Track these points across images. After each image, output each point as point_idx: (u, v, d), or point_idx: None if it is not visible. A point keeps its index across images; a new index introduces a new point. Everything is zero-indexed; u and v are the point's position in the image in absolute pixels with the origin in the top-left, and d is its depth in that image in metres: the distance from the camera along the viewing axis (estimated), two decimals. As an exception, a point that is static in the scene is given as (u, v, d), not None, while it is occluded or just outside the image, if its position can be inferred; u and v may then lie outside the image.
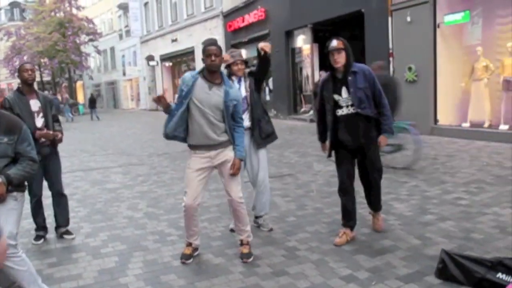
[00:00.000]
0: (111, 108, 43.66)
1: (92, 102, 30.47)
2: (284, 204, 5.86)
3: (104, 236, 4.97)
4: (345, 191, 4.43)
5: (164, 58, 31.54)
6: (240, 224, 4.17)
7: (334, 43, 4.18)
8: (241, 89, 4.81)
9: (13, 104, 4.61)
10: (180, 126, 3.99)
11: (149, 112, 33.22)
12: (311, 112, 16.73)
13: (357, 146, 4.28)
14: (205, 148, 3.99)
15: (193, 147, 4.04)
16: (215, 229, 4.99)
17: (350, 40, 15.31)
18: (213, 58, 3.86)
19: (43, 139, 4.69)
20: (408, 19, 11.71)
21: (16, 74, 4.90)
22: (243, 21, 20.28)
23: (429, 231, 4.52)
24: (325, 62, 16.34)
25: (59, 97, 39.10)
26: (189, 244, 4.18)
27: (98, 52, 38.22)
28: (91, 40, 36.30)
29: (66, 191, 7.29)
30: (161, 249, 4.45)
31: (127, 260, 4.21)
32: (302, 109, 17.65)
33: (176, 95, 4.13)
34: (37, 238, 4.91)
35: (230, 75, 4.79)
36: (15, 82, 57.45)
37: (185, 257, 4.10)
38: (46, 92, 37.25)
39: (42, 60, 36.09)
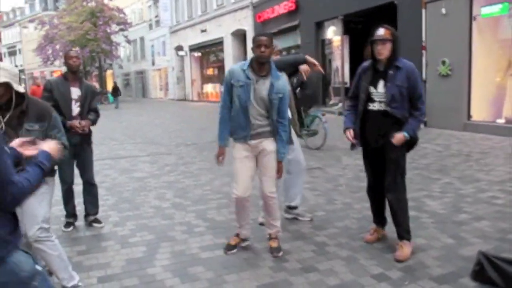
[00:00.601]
0: (140, 98, 44.12)
1: (115, 91, 30.87)
2: (313, 198, 5.77)
3: (131, 225, 4.99)
4: (373, 190, 4.21)
5: (193, 49, 31.64)
6: (270, 218, 4.10)
7: (381, 31, 3.80)
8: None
9: (53, 88, 4.66)
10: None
11: (177, 101, 33.47)
12: (340, 105, 16.53)
13: (379, 146, 3.94)
14: (244, 139, 3.89)
15: (234, 137, 3.97)
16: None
17: (383, 32, 14.54)
18: (262, 49, 3.66)
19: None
20: (443, 11, 11.38)
21: (62, 61, 4.90)
22: (273, 12, 20.12)
23: (464, 230, 4.38)
24: (356, 54, 16.00)
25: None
26: (237, 235, 4.16)
27: (128, 41, 38.57)
28: (121, 29, 36.66)
29: (96, 178, 7.46)
30: (188, 240, 4.43)
31: (155, 250, 4.21)
32: (331, 102, 17.43)
33: (222, 89, 4.01)
34: (67, 225, 4.97)
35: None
36: (48, 71, 58.94)
37: (228, 248, 4.09)
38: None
39: (73, 49, 36.66)
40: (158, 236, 4.59)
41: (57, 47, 36.38)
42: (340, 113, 15.96)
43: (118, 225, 5.03)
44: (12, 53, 72.29)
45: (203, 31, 29.02)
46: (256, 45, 3.70)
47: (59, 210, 5.21)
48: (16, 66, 70.02)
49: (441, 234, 4.29)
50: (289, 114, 4.30)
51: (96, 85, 42.03)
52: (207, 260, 3.95)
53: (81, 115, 4.78)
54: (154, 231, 4.75)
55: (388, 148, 3.85)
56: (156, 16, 37.27)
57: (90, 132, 4.93)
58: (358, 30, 16.37)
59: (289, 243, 4.23)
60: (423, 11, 12.09)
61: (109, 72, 49.04)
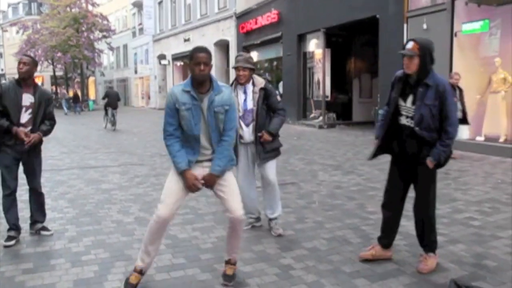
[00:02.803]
0: (121, 106, 43.46)
1: (75, 98, 32.50)
2: (283, 215, 5.45)
3: (88, 241, 4.66)
4: (388, 207, 3.99)
5: (175, 58, 31.35)
6: (237, 242, 3.65)
7: (409, 45, 3.60)
8: (247, 100, 4.65)
9: (4, 93, 4.41)
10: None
11: (158, 110, 33.03)
12: (320, 118, 16.37)
13: (406, 162, 3.80)
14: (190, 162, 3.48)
15: None
16: (207, 240, 4.66)
17: (364, 46, 15.09)
18: (202, 67, 3.30)
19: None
20: (425, 26, 11.31)
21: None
22: (256, 23, 19.99)
23: (438, 254, 4.14)
24: (337, 67, 16.00)
25: (71, 92, 39.31)
26: (140, 272, 3.53)
27: (111, 49, 38.14)
28: (104, 36, 36.24)
29: (60, 189, 7.17)
30: (145, 259, 4.12)
31: (107, 270, 3.89)
32: (312, 115, 17.28)
33: (165, 115, 3.47)
34: (8, 239, 4.58)
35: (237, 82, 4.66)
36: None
37: (130, 287, 3.48)
38: (48, 88, 37.69)
39: (55, 55, 36.15)
40: (113, 254, 4.27)
41: (39, 52, 35.79)
42: (320, 126, 15.81)
43: (73, 240, 4.69)
44: (-7, 57, 71.11)
45: (186, 40, 28.77)
46: (195, 62, 3.32)
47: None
48: (-3, 70, 69.00)
49: (414, 258, 4.05)
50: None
51: (78, 91, 41.46)
52: (160, 282, 3.65)
53: (34, 123, 4.55)
54: (111, 248, 4.43)
55: (418, 169, 3.71)
56: (140, 24, 36.95)
57: (40, 141, 4.66)
58: (339, 44, 16.33)
59: (252, 265, 3.96)
60: (405, 25, 12.02)
61: (91, 79, 48.47)
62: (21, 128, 4.41)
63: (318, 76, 16.92)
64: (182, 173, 3.41)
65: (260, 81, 4.69)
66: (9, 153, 4.52)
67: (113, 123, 18.44)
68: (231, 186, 3.55)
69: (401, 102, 3.76)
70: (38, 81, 59.73)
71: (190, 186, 3.44)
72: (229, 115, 3.48)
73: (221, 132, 3.49)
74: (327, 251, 4.27)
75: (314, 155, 10.24)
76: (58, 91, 39.29)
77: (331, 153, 10.49)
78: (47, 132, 4.67)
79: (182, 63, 31.83)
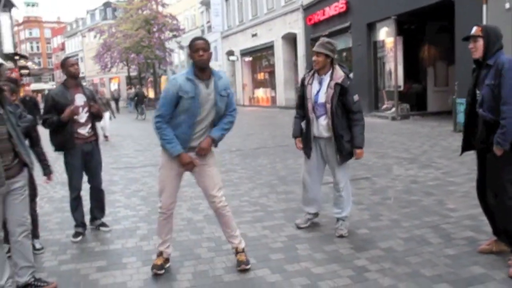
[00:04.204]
0: (193, 103, 44.53)
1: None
2: (357, 212, 5.25)
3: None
4: (479, 197, 3.85)
5: (244, 53, 31.51)
6: (229, 230, 3.86)
7: (472, 31, 3.55)
8: (320, 93, 4.36)
9: (58, 100, 4.57)
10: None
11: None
12: (393, 109, 15.71)
13: (480, 149, 3.65)
14: (189, 150, 3.68)
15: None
16: (277, 239, 4.52)
17: (438, 32, 14.11)
18: (201, 53, 3.49)
19: (85, 134, 4.72)
20: (507, 5, 10.45)
21: (61, 70, 4.82)
22: (323, 14, 19.56)
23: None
24: (410, 56, 15.11)
25: (145, 92, 40.87)
26: (160, 254, 3.86)
27: (181, 47, 39.08)
28: (174, 36, 37.22)
29: (133, 186, 7.36)
30: (214, 259, 4.07)
31: (176, 270, 3.88)
32: (384, 106, 16.61)
33: (163, 101, 3.60)
34: (76, 235, 4.83)
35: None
36: (106, 77, 61.00)
37: (157, 268, 3.76)
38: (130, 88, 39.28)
39: (129, 56, 37.75)
40: (183, 253, 4.25)
41: (115, 54, 37.57)
42: (393, 118, 15.18)
43: (144, 239, 4.75)
44: (74, 61, 75.30)
45: (253, 35, 28.82)
46: (194, 49, 3.52)
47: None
48: (78, 73, 73.11)
49: (503, 261, 3.66)
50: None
51: (151, 91, 42.93)
52: (230, 284, 3.56)
53: (92, 120, 4.78)
54: (180, 247, 4.42)
55: (490, 155, 3.52)
56: (208, 22, 37.53)
57: (98, 136, 4.97)
58: (412, 31, 15.53)
59: (324, 266, 3.77)
60: (484, 7, 11.18)
61: (163, 78, 50.05)
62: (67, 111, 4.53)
63: (389, 65, 16.23)
64: (179, 156, 3.58)
65: (339, 75, 4.28)
66: (78, 154, 4.69)
67: (142, 114, 24.84)
68: (211, 171, 3.76)
69: (477, 91, 3.60)
70: (115, 82, 62.70)
71: (188, 164, 3.64)
72: (231, 98, 3.72)
73: (223, 114, 3.73)
74: (405, 252, 3.98)
75: (388, 148, 9.79)
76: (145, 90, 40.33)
77: (406, 145, 9.99)
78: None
79: (250, 59, 31.96)
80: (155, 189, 7.01)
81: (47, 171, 4.33)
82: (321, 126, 4.42)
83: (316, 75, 4.43)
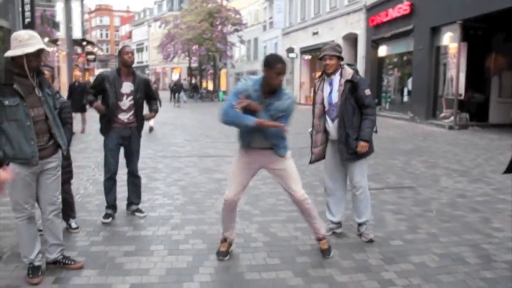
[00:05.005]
0: (249, 97, 44.84)
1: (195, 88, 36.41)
2: (394, 222, 5.06)
3: (189, 230, 4.73)
4: None
5: (303, 51, 31.27)
6: (311, 219, 4.02)
7: None
8: (332, 93, 4.33)
9: (105, 81, 4.78)
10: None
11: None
12: (451, 118, 15.05)
13: None
14: (248, 144, 3.86)
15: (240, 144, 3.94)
16: (307, 242, 4.42)
17: (507, 40, 13.41)
18: (281, 77, 3.61)
19: (125, 120, 4.85)
20: None
21: (117, 56, 5.02)
22: (386, 15, 19.01)
23: None
24: (474, 63, 14.35)
25: (204, 83, 41.90)
26: (224, 240, 4.03)
27: (242, 42, 39.41)
28: (236, 30, 37.57)
29: (175, 175, 7.48)
30: (239, 256, 4.04)
31: (200, 262, 3.88)
32: (442, 114, 15.93)
33: (232, 96, 3.70)
34: (106, 216, 4.96)
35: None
36: (168, 67, 62.57)
37: (222, 254, 3.94)
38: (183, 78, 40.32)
39: (191, 47, 38.54)
40: (210, 246, 4.24)
41: (177, 44, 38.47)
42: (450, 127, 14.57)
43: (176, 228, 4.80)
44: (140, 50, 77.90)
45: (314, 33, 28.53)
46: (276, 72, 3.56)
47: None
48: (142, 62, 75.58)
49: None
50: None
51: (210, 83, 43.63)
52: (249, 282, 3.52)
53: (136, 109, 4.88)
54: (209, 240, 4.42)
55: None
56: (270, 18, 37.56)
57: (141, 125, 5.05)
58: (478, 37, 14.77)
59: (349, 275, 3.65)
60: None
61: (223, 71, 50.68)
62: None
63: (451, 72, 15.54)
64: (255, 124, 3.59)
65: (348, 72, 4.27)
66: (114, 138, 4.84)
67: (178, 101, 29.39)
68: (288, 168, 3.88)
69: None
70: (176, 72, 64.34)
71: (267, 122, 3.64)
72: (282, 119, 3.69)
73: None
74: (437, 269, 3.78)
75: (439, 158, 9.39)
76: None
77: (459, 157, 9.53)
78: (156, 111, 5.19)
79: (310, 57, 31.69)
80: (196, 180, 7.16)
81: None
82: (334, 128, 4.36)
83: (325, 78, 4.39)
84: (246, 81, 3.73)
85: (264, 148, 3.81)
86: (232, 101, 3.62)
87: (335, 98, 4.28)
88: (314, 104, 4.48)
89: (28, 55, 3.25)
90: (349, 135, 4.25)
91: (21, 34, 3.31)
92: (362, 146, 4.25)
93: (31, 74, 3.33)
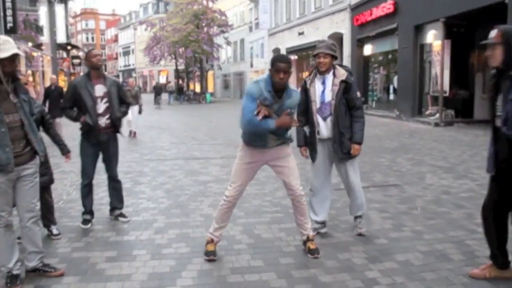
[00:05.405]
0: (237, 99, 44.81)
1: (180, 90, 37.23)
2: (379, 221, 5.05)
3: (173, 234, 4.68)
4: (484, 215, 3.58)
5: (290, 51, 31.26)
6: (302, 218, 4.09)
7: (491, 34, 3.22)
8: (325, 92, 4.31)
9: (78, 88, 4.71)
10: None
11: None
12: (437, 115, 15.15)
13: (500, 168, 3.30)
14: (263, 146, 3.91)
15: (248, 143, 3.95)
16: (291, 243, 4.41)
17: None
18: (282, 75, 3.63)
19: (101, 124, 4.78)
20: None
21: (83, 61, 4.99)
22: (370, 14, 19.11)
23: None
24: (458, 60, 14.32)
25: (191, 86, 41.89)
26: (211, 241, 4.04)
27: (228, 43, 39.38)
28: (222, 31, 37.52)
29: (160, 179, 7.41)
30: (222, 258, 4.00)
31: (183, 266, 3.83)
32: (428, 111, 16.03)
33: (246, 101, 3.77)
34: (85, 222, 4.92)
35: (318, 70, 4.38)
36: (155, 70, 62.30)
37: (213, 254, 3.96)
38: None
39: (178, 50, 38.41)
40: (193, 249, 4.21)
41: (163, 47, 38.32)
42: (436, 124, 14.66)
43: (159, 232, 4.74)
44: (126, 53, 77.61)
45: (300, 33, 28.60)
46: (275, 70, 3.64)
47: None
48: (129, 65, 75.21)
49: None
50: None
51: (197, 85, 43.53)
52: (232, 285, 3.48)
53: (111, 111, 4.81)
54: (193, 243, 4.38)
55: (505, 174, 3.25)
56: (256, 19, 37.59)
57: (117, 129, 4.98)
58: (461, 34, 14.89)
59: (333, 275, 3.63)
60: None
61: (210, 73, 50.58)
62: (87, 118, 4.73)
63: (436, 69, 15.64)
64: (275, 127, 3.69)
65: (341, 73, 4.30)
66: (91, 143, 4.77)
67: (158, 103, 30.37)
68: (291, 165, 3.97)
69: (497, 103, 3.24)
70: (163, 74, 63.90)
71: (288, 122, 3.76)
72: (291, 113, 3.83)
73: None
74: (421, 266, 3.78)
75: (425, 155, 9.43)
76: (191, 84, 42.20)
77: (445, 153, 9.58)
78: (125, 113, 5.10)
79: (296, 57, 31.75)
80: (181, 183, 7.10)
81: (64, 150, 4.49)
82: (328, 127, 4.36)
83: (317, 76, 4.38)
84: (258, 84, 3.74)
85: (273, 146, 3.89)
86: (251, 108, 3.67)
87: (328, 96, 4.28)
88: (309, 101, 4.38)
89: (2, 61, 3.18)
90: (343, 134, 4.29)
91: None
92: (356, 149, 4.33)
93: (5, 80, 3.26)
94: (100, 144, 4.84)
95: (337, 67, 4.35)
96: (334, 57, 4.29)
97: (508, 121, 3.08)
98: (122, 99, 5.00)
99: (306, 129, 4.45)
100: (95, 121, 4.71)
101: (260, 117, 3.63)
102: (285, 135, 3.90)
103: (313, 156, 4.48)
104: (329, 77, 4.30)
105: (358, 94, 4.38)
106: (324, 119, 4.33)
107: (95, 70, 4.79)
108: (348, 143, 4.31)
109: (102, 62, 4.87)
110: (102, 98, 4.76)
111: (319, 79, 4.36)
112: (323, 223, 4.63)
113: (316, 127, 4.38)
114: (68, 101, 4.81)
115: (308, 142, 4.48)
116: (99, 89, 4.75)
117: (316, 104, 4.33)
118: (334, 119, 4.28)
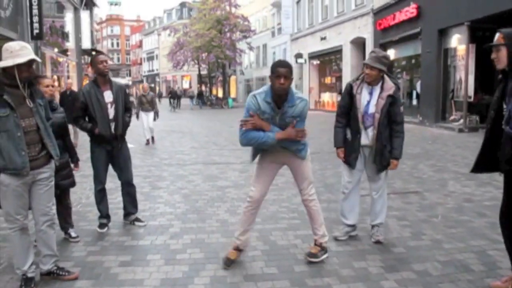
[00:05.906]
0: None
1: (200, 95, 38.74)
2: (397, 228, 4.95)
3: (188, 239, 4.67)
4: (503, 223, 3.45)
5: (312, 56, 31.21)
6: (313, 222, 4.06)
7: (495, 37, 3.22)
8: (370, 104, 4.27)
9: (89, 96, 4.70)
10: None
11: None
12: (461, 121, 14.85)
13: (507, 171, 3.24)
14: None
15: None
16: (306, 250, 4.29)
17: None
18: (282, 80, 3.53)
19: (113, 131, 4.79)
20: None
21: (88, 67, 5.01)
22: (393, 18, 18.88)
23: None
24: (483, 65, 13.97)
25: (214, 91, 42.16)
26: (237, 249, 3.97)
27: (251, 48, 39.48)
28: (244, 37, 37.65)
29: (179, 183, 7.42)
30: (236, 265, 3.96)
31: (196, 272, 3.81)
32: (452, 117, 15.72)
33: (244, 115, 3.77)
34: (101, 226, 4.93)
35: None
36: (178, 75, 62.88)
37: (228, 263, 3.88)
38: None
39: (200, 55, 38.69)
40: (207, 255, 4.19)
41: (187, 52, 38.67)
42: (460, 130, 14.37)
43: (174, 237, 4.74)
44: (150, 58, 78.56)
45: (322, 38, 28.47)
46: (276, 75, 3.54)
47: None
48: (153, 70, 76.08)
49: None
50: None
51: (220, 90, 43.73)
52: (245, 293, 3.44)
53: (116, 117, 4.81)
54: (207, 249, 4.36)
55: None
56: (279, 24, 37.58)
57: (124, 132, 4.99)
58: (486, 38, 14.58)
59: (347, 284, 3.55)
60: None
61: (233, 78, 50.78)
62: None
63: (460, 74, 15.35)
64: (276, 141, 3.66)
65: (389, 86, 4.25)
66: (103, 150, 4.78)
67: (174, 107, 34.53)
68: (306, 167, 3.97)
69: (504, 105, 3.20)
70: (187, 79, 64.30)
71: (295, 134, 3.70)
72: (298, 124, 3.70)
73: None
74: (439, 277, 3.67)
75: (448, 161, 9.23)
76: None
77: (468, 160, 9.35)
78: (127, 123, 5.03)
79: (318, 62, 31.64)
80: (199, 188, 7.10)
81: (74, 159, 4.52)
82: (369, 136, 4.36)
83: (364, 84, 4.32)
84: (255, 97, 3.67)
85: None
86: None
87: (372, 109, 4.27)
88: (353, 108, 4.35)
89: (19, 66, 3.23)
90: (385, 147, 4.30)
91: (13, 45, 3.30)
92: (394, 164, 4.36)
93: (22, 85, 3.31)
94: (113, 149, 4.85)
95: (386, 79, 4.29)
96: (381, 71, 4.21)
97: (511, 120, 3.06)
98: (126, 105, 4.99)
99: (348, 133, 4.44)
100: (108, 129, 4.72)
101: (244, 128, 3.63)
102: (293, 147, 3.82)
103: (352, 162, 4.44)
104: (377, 89, 4.27)
105: (402, 109, 4.36)
106: (365, 128, 4.34)
107: (101, 76, 4.77)
108: (388, 155, 4.32)
109: (109, 68, 4.81)
110: (111, 104, 4.77)
111: (367, 88, 4.31)
112: (353, 226, 4.64)
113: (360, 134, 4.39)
114: (79, 111, 4.78)
115: (349, 147, 4.45)
116: (107, 95, 4.76)
117: (360, 112, 4.31)
118: (377, 132, 4.27)
